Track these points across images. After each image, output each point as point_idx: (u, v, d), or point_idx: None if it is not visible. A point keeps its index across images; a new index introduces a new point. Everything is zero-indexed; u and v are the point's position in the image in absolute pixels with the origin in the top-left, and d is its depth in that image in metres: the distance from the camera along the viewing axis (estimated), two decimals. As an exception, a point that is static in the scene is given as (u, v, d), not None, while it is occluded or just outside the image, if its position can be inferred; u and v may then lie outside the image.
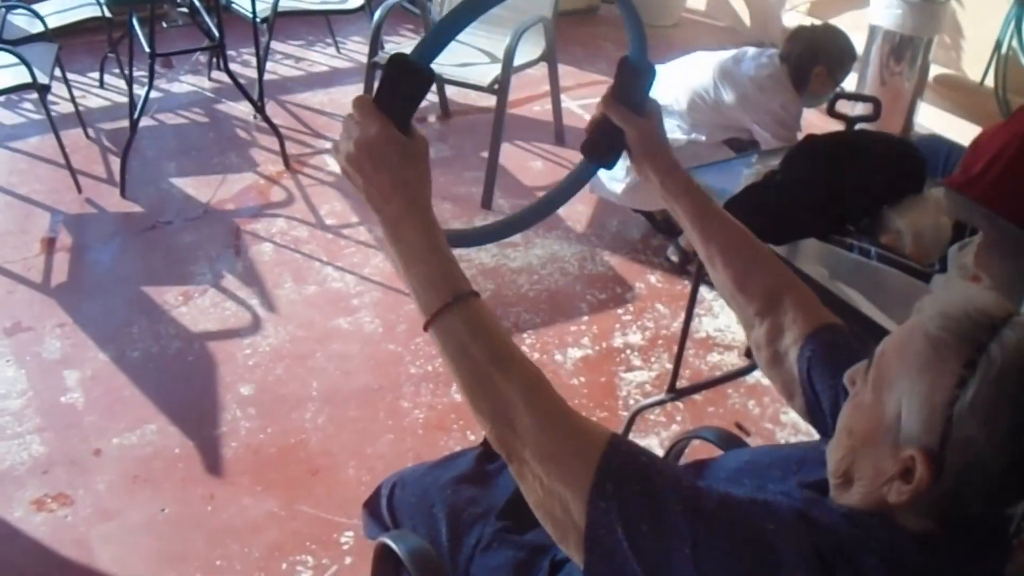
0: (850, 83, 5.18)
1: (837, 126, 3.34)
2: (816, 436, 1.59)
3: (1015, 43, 5.11)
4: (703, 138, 3.88)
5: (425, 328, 1.28)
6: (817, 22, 4.28)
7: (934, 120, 5.40)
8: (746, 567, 1.14)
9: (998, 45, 5.18)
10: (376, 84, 1.31)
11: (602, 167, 1.74)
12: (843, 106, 3.25)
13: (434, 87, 5.45)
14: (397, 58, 1.29)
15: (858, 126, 3.20)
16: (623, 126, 1.65)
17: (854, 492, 1.25)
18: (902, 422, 1.17)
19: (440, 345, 1.28)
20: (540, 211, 1.76)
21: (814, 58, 3.76)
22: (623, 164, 3.93)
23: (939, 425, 1.12)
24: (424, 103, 5.11)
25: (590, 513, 1.17)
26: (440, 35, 1.29)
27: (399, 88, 1.30)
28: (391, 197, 1.30)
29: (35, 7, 4.92)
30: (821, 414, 1.54)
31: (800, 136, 3.04)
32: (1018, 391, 1.09)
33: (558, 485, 1.19)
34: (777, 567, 1.13)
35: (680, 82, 3.92)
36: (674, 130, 3.89)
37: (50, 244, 4.15)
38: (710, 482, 1.49)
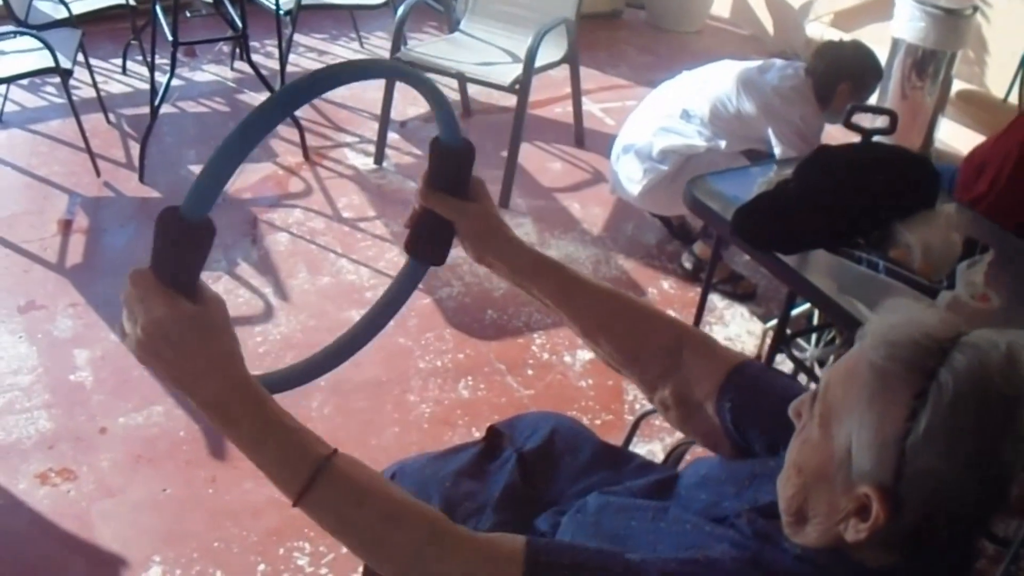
0: (871, 97, 5.17)
1: (855, 139, 3.33)
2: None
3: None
4: (722, 146, 3.88)
5: (294, 505, 1.17)
6: (842, 35, 4.28)
7: (955, 136, 5.37)
8: None
9: (1023, 61, 5.15)
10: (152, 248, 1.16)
11: (432, 265, 1.60)
12: (860, 118, 3.24)
13: (455, 85, 5.46)
14: (165, 215, 1.14)
15: (874, 139, 3.19)
16: (449, 216, 1.53)
17: (809, 530, 1.21)
18: (853, 458, 1.12)
19: (319, 521, 1.19)
20: (358, 338, 1.63)
21: (840, 75, 3.76)
22: (641, 165, 3.95)
23: (892, 460, 1.08)
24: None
25: None
26: (210, 179, 1.15)
27: (176, 249, 1.15)
28: (202, 379, 1.16)
29: (60, -7, 4.95)
30: (752, 451, 1.49)
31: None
32: (974, 417, 1.05)
33: None
34: None
35: (705, 88, 3.92)
36: (694, 136, 3.89)
37: (67, 226, 4.18)
38: (672, 503, 1.49)
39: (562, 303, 1.54)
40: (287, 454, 1.17)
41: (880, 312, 1.18)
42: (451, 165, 1.50)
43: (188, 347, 1.14)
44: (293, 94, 1.17)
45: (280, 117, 1.18)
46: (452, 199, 1.52)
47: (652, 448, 3.27)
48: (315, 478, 1.15)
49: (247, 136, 1.15)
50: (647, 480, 1.66)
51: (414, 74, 1.35)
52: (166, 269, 1.14)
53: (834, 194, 2.53)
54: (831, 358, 3.59)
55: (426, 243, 1.57)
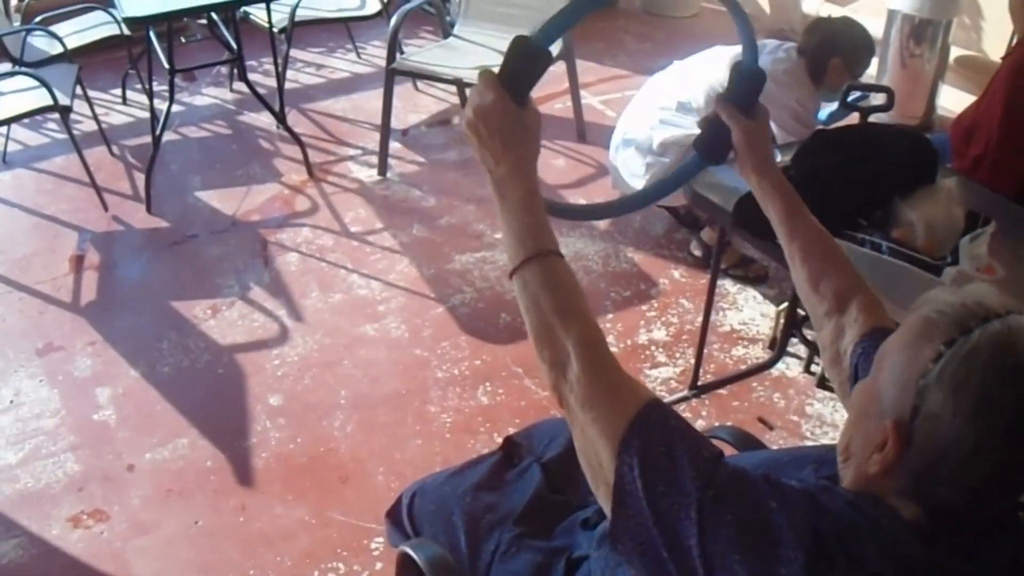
0: (870, 68, 5.16)
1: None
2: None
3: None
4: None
5: (509, 277, 1.42)
6: (836, 10, 4.26)
7: (956, 102, 5.35)
8: (744, 540, 1.17)
9: (1018, 24, 5.14)
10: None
11: (711, 163, 1.89)
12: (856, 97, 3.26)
13: (455, 89, 5.47)
14: (519, 40, 1.43)
15: (872, 116, 3.20)
16: (731, 125, 1.78)
17: (850, 468, 1.29)
18: (884, 393, 1.21)
19: (518, 294, 1.41)
20: (640, 199, 1.95)
21: (831, 50, 3.75)
22: (642, 159, 3.95)
23: (911, 396, 1.16)
24: (447, 104, 5.14)
25: (618, 468, 1.23)
26: (562, 19, 1.43)
27: (518, 65, 1.44)
28: (500, 160, 1.44)
29: (53, 28, 4.96)
30: None
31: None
32: (987, 371, 1.11)
33: (595, 436, 1.27)
34: (775, 544, 1.16)
35: (698, 78, 3.92)
36: (693, 127, 3.88)
37: (78, 263, 4.20)
38: None
39: (785, 223, 1.75)
40: (524, 234, 1.41)
41: (951, 285, 1.29)
42: (744, 86, 1.80)
43: (499, 132, 1.43)
44: None
45: None
46: (739, 113, 1.78)
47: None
48: (532, 259, 1.39)
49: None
50: None
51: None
52: (507, 77, 1.44)
53: (833, 177, 2.53)
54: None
55: (710, 143, 1.85)
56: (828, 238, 1.74)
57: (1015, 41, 3.71)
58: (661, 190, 1.90)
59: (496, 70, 1.45)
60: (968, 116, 3.29)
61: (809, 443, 3.28)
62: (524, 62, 1.44)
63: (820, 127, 3.61)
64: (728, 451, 2.01)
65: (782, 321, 3.67)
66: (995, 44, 5.36)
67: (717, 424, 3.30)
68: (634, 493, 1.21)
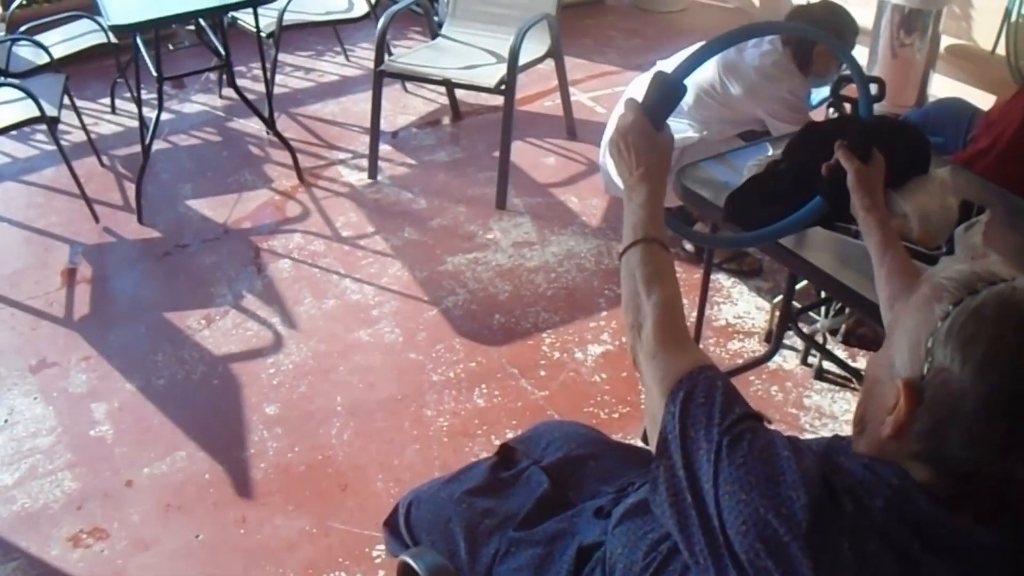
0: (861, 57, 5.16)
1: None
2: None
3: (1024, 11, 5.09)
4: (714, 135, 3.86)
5: (619, 258, 1.63)
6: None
7: (948, 91, 5.35)
8: (749, 479, 1.23)
9: (1007, 14, 5.15)
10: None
11: (828, 204, 2.18)
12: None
13: (444, 90, 5.46)
14: (659, 75, 1.70)
15: (863, 108, 3.18)
16: (846, 167, 2.07)
17: (865, 436, 1.32)
18: (895, 356, 1.25)
19: (622, 270, 1.61)
20: (766, 235, 2.30)
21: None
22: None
23: (921, 356, 1.19)
24: (436, 106, 5.13)
25: (664, 415, 1.36)
26: (695, 60, 1.71)
27: (657, 95, 1.71)
28: (634, 170, 1.68)
29: (39, 38, 4.92)
30: None
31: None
32: (993, 326, 1.14)
33: (653, 386, 1.42)
34: (777, 484, 1.21)
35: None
36: (686, 129, 3.88)
37: (71, 276, 4.18)
38: None
39: (878, 250, 1.96)
40: (640, 224, 1.62)
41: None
42: (863, 137, 2.08)
43: (636, 148, 1.70)
44: (758, 28, 1.83)
45: (745, 39, 1.87)
46: (855, 158, 2.08)
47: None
48: (636, 243, 1.59)
49: (726, 40, 1.81)
50: None
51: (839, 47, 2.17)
52: (649, 104, 1.72)
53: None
54: (842, 327, 3.59)
55: (831, 187, 2.13)
56: (913, 269, 1.88)
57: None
58: (782, 231, 2.26)
59: (640, 99, 1.72)
60: (995, 111, 3.28)
61: (808, 435, 3.27)
62: (661, 93, 1.70)
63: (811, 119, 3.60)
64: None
65: (777, 314, 3.66)
66: (985, 33, 5.39)
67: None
68: (673, 439, 1.32)
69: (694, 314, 3.75)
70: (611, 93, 5.71)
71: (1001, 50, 5.26)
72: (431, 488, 2.12)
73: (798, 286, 3.37)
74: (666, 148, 1.73)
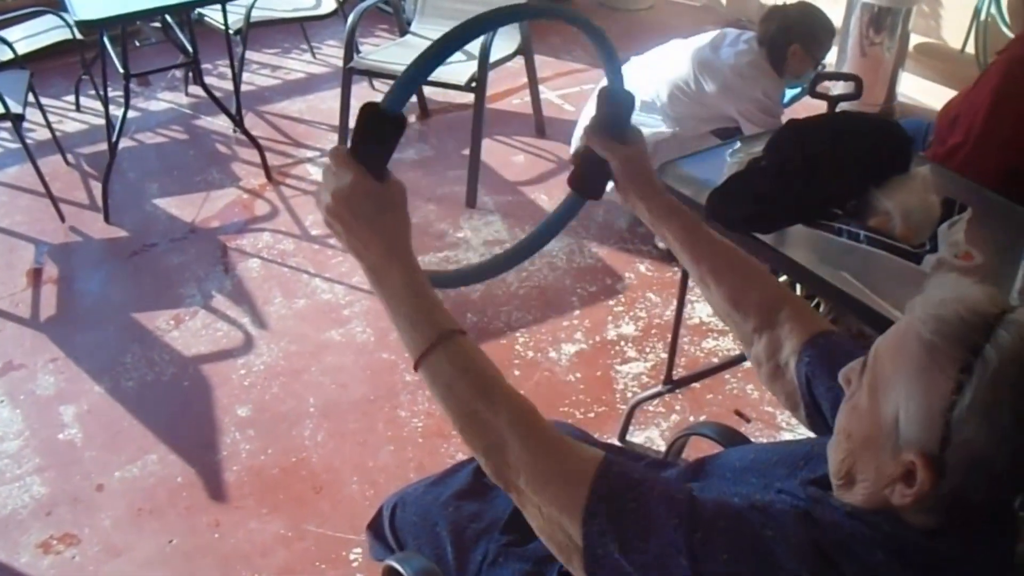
0: (830, 56, 5.16)
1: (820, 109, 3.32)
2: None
3: (993, 9, 5.10)
4: (687, 131, 3.86)
5: (415, 369, 1.32)
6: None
7: (916, 89, 5.40)
8: (747, 573, 1.16)
9: (977, 12, 5.17)
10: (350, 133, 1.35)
11: (589, 198, 1.75)
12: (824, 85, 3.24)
13: (412, 87, 5.42)
14: (367, 107, 1.30)
15: (840, 105, 3.18)
16: (607, 156, 1.67)
17: (857, 492, 1.25)
18: (901, 427, 1.17)
19: (429, 385, 1.32)
20: (527, 248, 1.77)
21: (788, 37, 3.74)
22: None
23: (938, 430, 1.12)
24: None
25: (586, 535, 1.20)
26: (408, 81, 1.32)
27: (371, 136, 1.32)
28: (370, 245, 1.32)
29: (3, 33, 4.82)
30: (821, 419, 1.54)
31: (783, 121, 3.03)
32: (1015, 390, 1.09)
33: (555, 511, 1.23)
34: (776, 569, 1.15)
35: (659, 75, 3.90)
36: (659, 124, 3.87)
37: (36, 277, 4.11)
38: (715, 480, 1.50)
39: (686, 246, 1.66)
40: (419, 320, 1.32)
41: (929, 287, 1.23)
42: (614, 113, 1.67)
43: (364, 215, 1.31)
44: (481, 22, 1.34)
45: (470, 39, 1.35)
46: (612, 142, 1.66)
47: (649, 435, 3.27)
48: (435, 345, 1.29)
49: (443, 49, 1.31)
50: (676, 470, 1.71)
51: (583, 20, 1.55)
52: (361, 151, 1.32)
53: (807, 168, 2.51)
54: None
55: (586, 179, 1.74)
56: (737, 252, 1.67)
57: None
58: (543, 238, 1.77)
59: (348, 145, 1.34)
60: (954, 106, 3.28)
61: (785, 433, 3.28)
62: (378, 131, 1.33)
63: (791, 117, 3.59)
64: (713, 448, 1.99)
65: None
66: (954, 32, 5.42)
67: (701, 419, 3.29)
68: (609, 556, 1.20)
69: (668, 313, 3.75)
70: (579, 91, 5.69)
71: (970, 48, 5.28)
72: (416, 490, 2.09)
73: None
74: (401, 204, 1.36)
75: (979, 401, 1.09)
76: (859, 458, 1.24)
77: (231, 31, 4.94)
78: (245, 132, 4.89)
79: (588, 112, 4.13)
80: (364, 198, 1.31)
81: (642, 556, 1.18)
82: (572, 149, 4.21)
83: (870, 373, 1.23)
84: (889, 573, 1.16)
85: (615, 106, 1.66)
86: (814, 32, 3.77)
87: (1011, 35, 4.87)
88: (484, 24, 1.35)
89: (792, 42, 3.73)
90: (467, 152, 4.64)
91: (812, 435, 1.61)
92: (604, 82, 1.67)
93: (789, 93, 4.16)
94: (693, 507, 1.20)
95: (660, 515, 1.19)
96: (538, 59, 5.17)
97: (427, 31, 5.04)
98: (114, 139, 4.48)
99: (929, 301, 1.19)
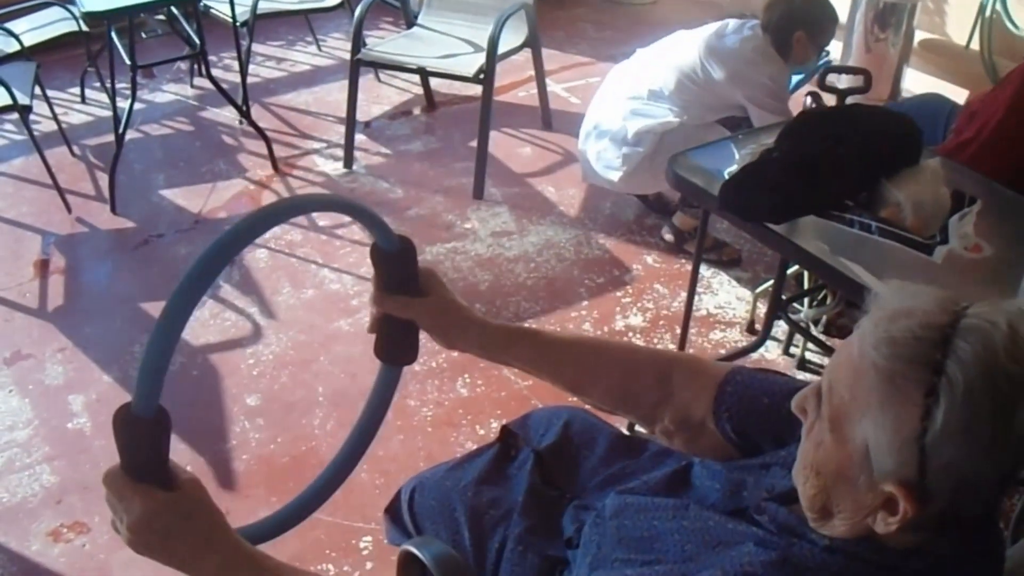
0: (835, 51, 5.18)
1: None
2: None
3: (999, 6, 5.11)
4: (696, 118, 3.86)
5: None
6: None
7: (921, 85, 5.40)
8: None
9: (982, 8, 5.18)
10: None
11: (404, 364, 1.64)
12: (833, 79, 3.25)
13: (418, 79, 5.43)
14: (118, 416, 1.17)
15: (849, 98, 3.19)
16: (408, 316, 1.57)
17: (836, 524, 1.22)
18: (873, 459, 1.13)
19: None
20: (345, 466, 1.70)
21: (792, 24, 3.74)
22: (618, 151, 3.94)
23: (914, 458, 1.09)
24: (410, 95, 5.07)
25: None
26: (149, 376, 1.15)
27: (136, 446, 1.20)
28: (200, 559, 1.23)
29: (8, 25, 4.83)
30: (757, 443, 1.52)
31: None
32: (987, 404, 1.05)
33: None
34: None
35: (666, 63, 3.90)
36: (667, 114, 3.87)
37: (44, 267, 4.11)
38: (694, 483, 1.51)
39: (542, 367, 1.58)
40: None
41: (874, 303, 1.17)
42: (395, 266, 1.53)
43: (176, 533, 1.20)
44: (206, 266, 1.17)
45: (203, 289, 1.18)
46: (406, 299, 1.55)
47: (658, 427, 3.26)
48: None
49: (170, 323, 1.14)
50: (663, 472, 1.67)
51: (337, 201, 1.47)
52: (134, 465, 1.19)
53: (819, 159, 2.52)
54: (823, 318, 3.60)
55: (394, 345, 1.60)
56: (596, 342, 1.64)
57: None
58: (364, 437, 1.70)
59: (116, 467, 1.21)
60: (976, 101, 3.29)
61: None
62: (142, 437, 1.18)
63: (798, 107, 3.60)
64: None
65: (759, 304, 3.67)
66: (959, 28, 5.43)
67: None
68: None
69: (675, 304, 3.76)
70: (585, 84, 5.69)
71: (975, 45, 5.30)
72: (435, 475, 2.08)
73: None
74: (203, 503, 1.24)
75: (953, 423, 1.06)
76: (833, 492, 1.20)
77: (237, 23, 4.95)
78: (252, 123, 4.89)
79: (595, 104, 4.15)
80: (164, 516, 1.19)
81: None
82: (579, 144, 4.22)
83: (827, 406, 1.19)
84: None
85: (394, 259, 1.52)
86: (818, 19, 3.78)
87: (1016, 32, 4.90)
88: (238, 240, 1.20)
89: (796, 29, 3.74)
90: (474, 144, 4.65)
91: None
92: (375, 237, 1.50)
93: (795, 80, 4.16)
94: None
95: None
96: (545, 52, 5.17)
97: (434, 23, 5.05)
98: (120, 131, 4.47)
99: (877, 322, 1.14)
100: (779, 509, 1.30)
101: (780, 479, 1.35)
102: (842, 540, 1.20)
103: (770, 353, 3.57)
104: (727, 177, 2.66)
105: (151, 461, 1.20)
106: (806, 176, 2.50)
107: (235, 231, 1.18)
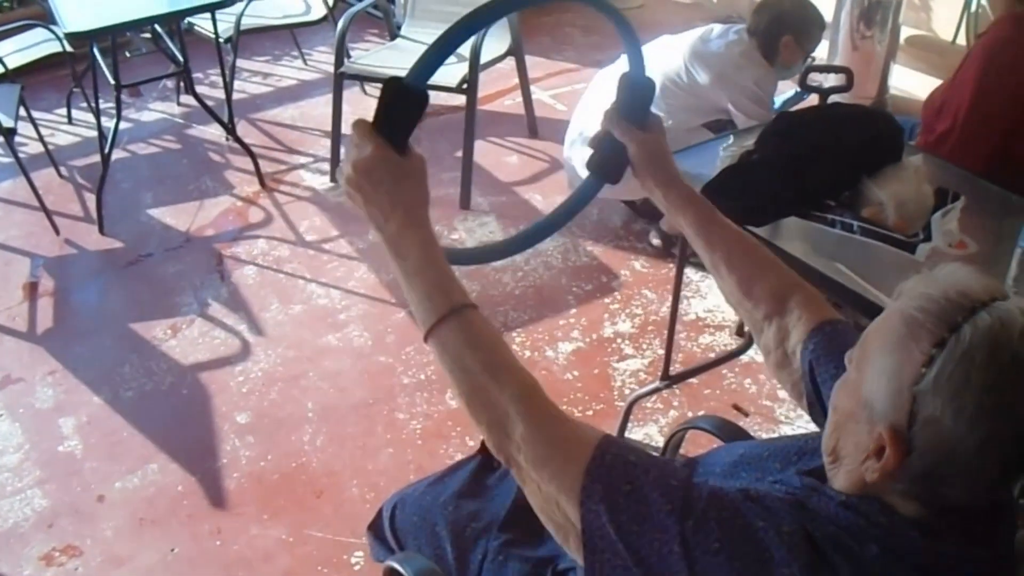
0: (822, 50, 5.17)
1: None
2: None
3: (983, 0, 5.11)
4: (681, 122, 3.85)
5: (425, 340, 1.32)
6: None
7: (908, 81, 5.40)
8: (736, 565, 1.15)
9: (967, 3, 5.19)
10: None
11: (607, 182, 1.74)
12: (815, 78, 3.25)
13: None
14: (392, 82, 1.31)
15: (832, 97, 3.19)
16: (625, 141, 1.67)
17: (841, 471, 1.26)
18: (875, 399, 1.17)
19: (438, 356, 1.32)
20: (544, 229, 1.77)
21: (780, 28, 3.75)
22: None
23: (905, 404, 1.12)
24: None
25: (584, 516, 1.20)
26: (433, 56, 1.31)
27: (394, 110, 1.33)
28: (390, 215, 1.33)
29: (-9, 48, 4.85)
30: (821, 409, 1.52)
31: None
32: (985, 372, 1.07)
33: (553, 489, 1.23)
34: (768, 562, 1.14)
35: (651, 68, 3.89)
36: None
37: (33, 290, 4.10)
38: (705, 477, 1.50)
39: (701, 233, 1.65)
40: (432, 292, 1.32)
41: (925, 272, 1.22)
42: (634, 98, 1.68)
43: (383, 185, 1.33)
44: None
45: (498, 17, 1.39)
46: (631, 127, 1.67)
47: (648, 431, 3.27)
48: (447, 317, 1.29)
49: (470, 25, 1.32)
50: None
51: (608, 8, 1.56)
52: (383, 125, 1.33)
53: (799, 160, 2.51)
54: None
55: (605, 161, 1.73)
56: (749, 240, 1.68)
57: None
58: (560, 218, 1.77)
59: (371, 118, 1.35)
60: (939, 94, 3.29)
61: (784, 426, 3.28)
62: (400, 106, 1.33)
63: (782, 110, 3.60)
64: (713, 443, 2.00)
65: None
66: (945, 24, 5.44)
67: (699, 414, 3.28)
68: (607, 538, 1.19)
69: (663, 309, 3.76)
70: (571, 91, 5.69)
71: (962, 40, 5.30)
72: (415, 491, 2.08)
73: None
74: (421, 178, 1.38)
75: (945, 377, 1.09)
76: (843, 432, 1.25)
77: (221, 39, 4.94)
78: (238, 140, 4.89)
79: (580, 111, 4.14)
80: (384, 169, 1.32)
81: (636, 540, 1.18)
82: (565, 150, 4.21)
83: (859, 349, 1.24)
84: (883, 568, 1.15)
85: (636, 92, 1.67)
86: (806, 24, 3.79)
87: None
88: (512, 2, 1.37)
89: (784, 33, 3.74)
90: (460, 154, 4.64)
91: (809, 430, 1.60)
92: (624, 67, 1.68)
93: (780, 99, 4.15)
94: (687, 494, 1.19)
95: (654, 500, 1.18)
96: (528, 59, 5.16)
97: (417, 33, 5.04)
98: (107, 150, 4.47)
99: (921, 281, 1.19)
100: (805, 476, 1.34)
101: (813, 463, 1.37)
102: (856, 498, 1.22)
103: (759, 356, 3.56)
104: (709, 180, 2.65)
105: (399, 125, 1.33)
106: (787, 177, 2.49)
107: None
